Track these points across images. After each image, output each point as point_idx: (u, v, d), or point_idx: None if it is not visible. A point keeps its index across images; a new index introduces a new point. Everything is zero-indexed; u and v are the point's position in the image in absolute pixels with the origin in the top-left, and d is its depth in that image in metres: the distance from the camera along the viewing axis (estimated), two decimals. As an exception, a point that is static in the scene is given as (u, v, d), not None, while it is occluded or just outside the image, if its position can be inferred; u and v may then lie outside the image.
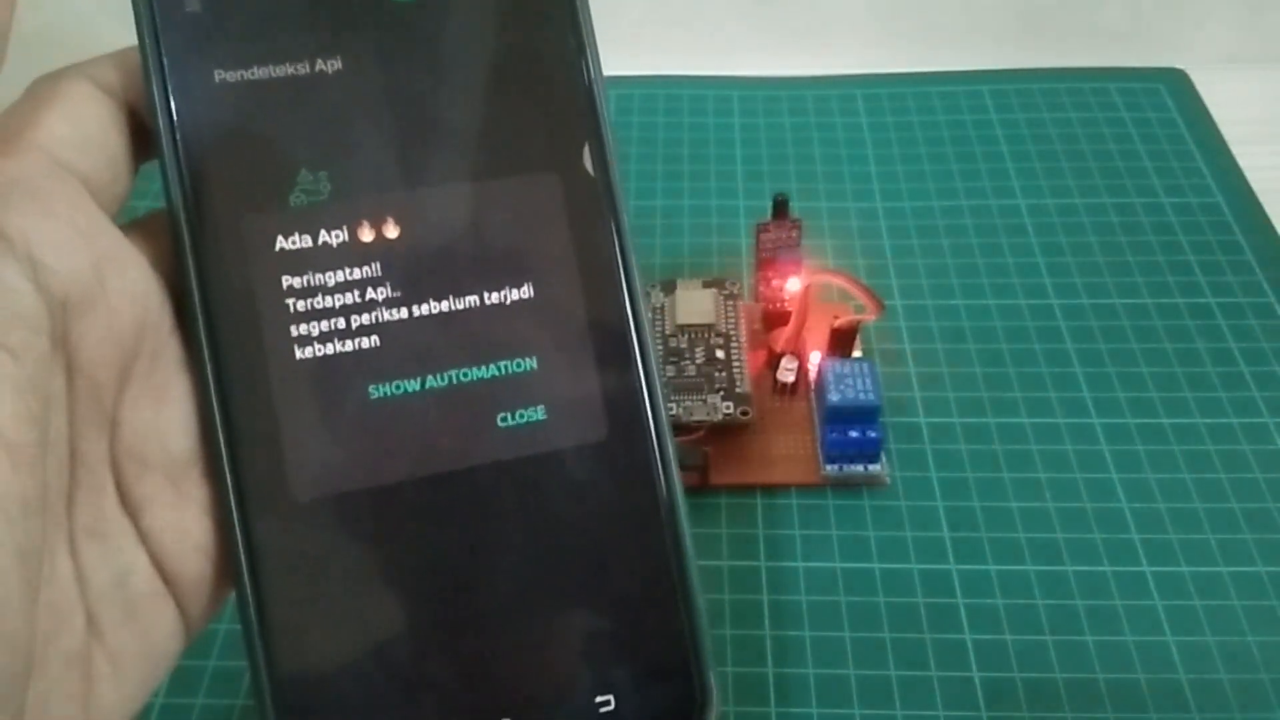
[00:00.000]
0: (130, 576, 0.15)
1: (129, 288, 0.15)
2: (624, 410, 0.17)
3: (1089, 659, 0.30)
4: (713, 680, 0.17)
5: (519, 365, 0.17)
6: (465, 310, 0.17)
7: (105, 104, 0.16)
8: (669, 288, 0.38)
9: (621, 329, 0.17)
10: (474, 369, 0.17)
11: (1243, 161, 0.46)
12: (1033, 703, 0.29)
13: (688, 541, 0.17)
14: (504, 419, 0.17)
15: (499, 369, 0.17)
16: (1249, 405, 0.36)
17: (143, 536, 0.16)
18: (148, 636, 0.16)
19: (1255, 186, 0.45)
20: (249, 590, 0.16)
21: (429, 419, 0.17)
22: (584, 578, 0.17)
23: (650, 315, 0.18)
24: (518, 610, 0.17)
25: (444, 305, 0.17)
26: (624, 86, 0.51)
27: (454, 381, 0.17)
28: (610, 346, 0.17)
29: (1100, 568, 0.32)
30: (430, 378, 0.17)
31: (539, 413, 0.17)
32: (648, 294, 0.38)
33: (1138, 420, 0.36)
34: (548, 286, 0.17)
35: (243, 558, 0.16)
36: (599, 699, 0.17)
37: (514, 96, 0.17)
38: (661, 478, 0.17)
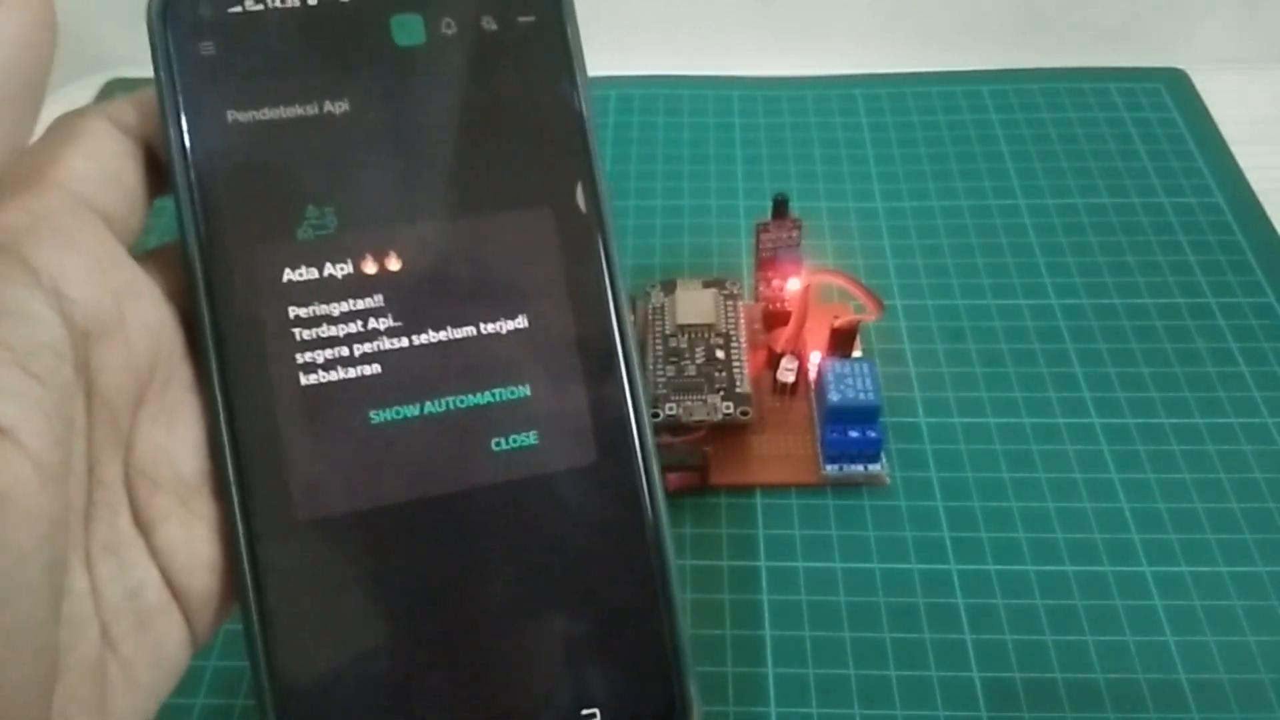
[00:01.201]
0: (142, 591, 0.16)
1: (145, 317, 0.16)
2: (612, 435, 0.18)
3: (1089, 659, 0.30)
4: (694, 692, 0.18)
5: (513, 392, 0.18)
6: (462, 340, 0.18)
7: (123, 142, 0.17)
8: (669, 288, 0.38)
9: (611, 359, 0.18)
10: (470, 395, 0.18)
11: (1243, 161, 0.46)
12: (1033, 703, 0.29)
13: (671, 561, 0.18)
14: (498, 444, 0.18)
15: (494, 396, 0.18)
16: (1249, 405, 0.36)
17: (154, 553, 0.16)
18: (158, 647, 0.16)
19: (1255, 186, 0.45)
20: (253, 606, 0.17)
21: (426, 443, 0.18)
22: (572, 596, 0.18)
23: (638, 342, 0.19)
24: (508, 627, 0.17)
25: (442, 335, 0.18)
26: (624, 86, 0.51)
27: (451, 407, 0.18)
28: (600, 375, 0.18)
29: (1100, 568, 0.32)
30: (428, 403, 0.18)
31: (531, 438, 0.18)
32: (647, 295, 0.38)
33: (1138, 420, 0.36)
34: (541, 317, 0.18)
35: (248, 574, 0.17)
36: (585, 711, 0.17)
37: (510, 136, 0.18)
38: (647, 500, 0.18)
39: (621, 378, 0.18)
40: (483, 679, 0.17)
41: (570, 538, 0.18)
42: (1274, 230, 0.43)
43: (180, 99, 0.17)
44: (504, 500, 0.18)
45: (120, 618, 0.16)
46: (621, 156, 0.47)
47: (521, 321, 0.18)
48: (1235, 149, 0.47)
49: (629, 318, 0.18)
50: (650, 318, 0.37)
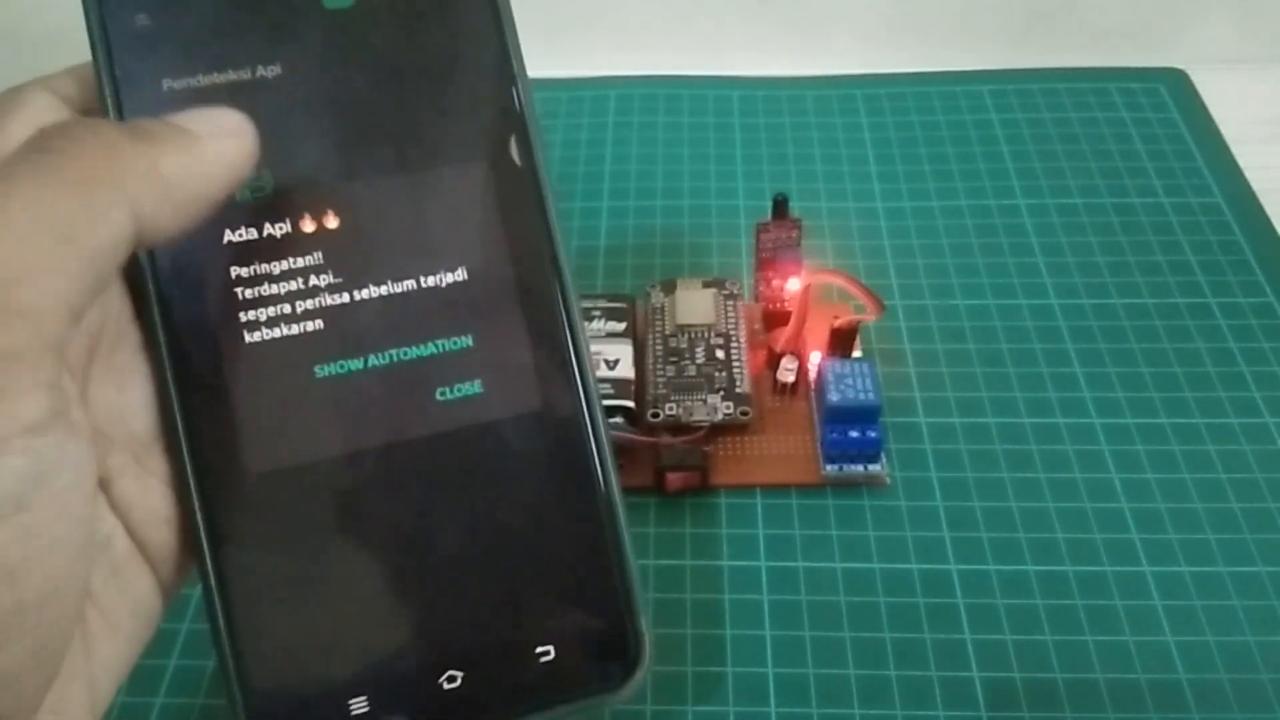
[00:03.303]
0: (111, 541, 0.17)
1: None
2: (555, 381, 0.19)
3: (1089, 659, 0.30)
4: (645, 630, 0.18)
5: (455, 343, 0.18)
6: (403, 293, 0.18)
7: (64, 112, 0.17)
8: (669, 288, 0.38)
9: (551, 305, 0.19)
10: (413, 347, 0.18)
11: (1243, 161, 0.46)
12: (1033, 703, 0.29)
13: (618, 501, 0.18)
14: (442, 393, 0.18)
15: (436, 347, 0.18)
16: (1249, 405, 0.36)
17: (113, 507, 0.17)
18: (133, 595, 0.17)
19: (1255, 186, 0.45)
20: (208, 557, 0.17)
21: (372, 395, 0.18)
22: (522, 538, 0.18)
23: (579, 296, 0.19)
24: (460, 571, 0.18)
25: (383, 289, 0.18)
26: (624, 86, 0.51)
27: (394, 360, 0.18)
28: (541, 322, 0.19)
29: (1100, 568, 0.32)
30: (372, 356, 0.18)
31: (475, 386, 0.18)
32: (647, 294, 0.38)
33: (1138, 420, 0.36)
34: (480, 269, 0.19)
35: (201, 528, 0.17)
36: (539, 649, 0.18)
37: (442, 94, 0.19)
38: (592, 443, 0.19)
39: (563, 325, 0.19)
40: (436, 623, 0.18)
41: (518, 482, 0.18)
42: (1274, 230, 0.43)
43: (116, 70, 0.17)
44: (451, 448, 0.18)
45: (96, 566, 0.16)
46: (621, 156, 0.47)
47: (461, 274, 0.18)
48: (1235, 149, 0.47)
49: (568, 266, 0.19)
50: (650, 318, 0.37)
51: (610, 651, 0.18)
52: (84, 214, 0.14)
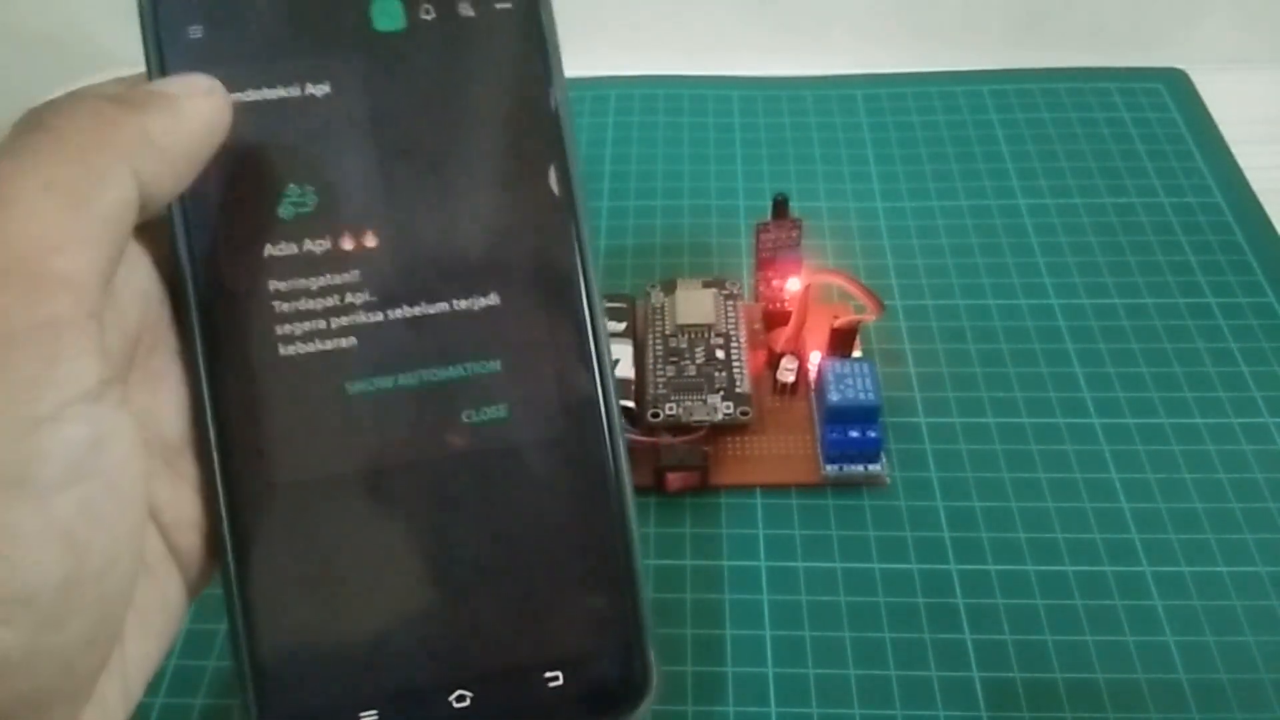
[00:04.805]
0: (145, 539, 0.17)
1: (137, 286, 0.17)
2: (580, 410, 0.19)
3: (1089, 659, 0.30)
4: (653, 659, 0.18)
5: (484, 367, 0.19)
6: (436, 315, 0.18)
7: None
8: (669, 288, 0.38)
9: (580, 335, 0.19)
10: (442, 369, 0.18)
11: (1243, 161, 0.46)
12: (1033, 703, 0.29)
13: (634, 532, 0.19)
14: (469, 415, 0.18)
15: (465, 370, 0.18)
16: (1249, 405, 0.36)
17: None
18: (163, 594, 0.17)
19: (1255, 186, 0.45)
20: (230, 564, 0.18)
21: (400, 413, 0.18)
22: (537, 564, 0.18)
23: (606, 321, 0.20)
24: (476, 591, 0.18)
25: (416, 310, 0.18)
26: (624, 86, 0.51)
27: (424, 380, 0.18)
28: (569, 352, 0.19)
29: (1100, 568, 0.32)
30: (402, 376, 0.18)
31: (501, 411, 0.19)
32: (647, 294, 0.38)
33: (1138, 420, 0.36)
34: (513, 295, 0.19)
35: (227, 534, 0.17)
36: (548, 675, 0.18)
37: (486, 120, 0.19)
38: (613, 474, 0.19)
39: (590, 354, 0.19)
40: (450, 642, 0.18)
41: (538, 508, 0.18)
42: (1274, 230, 0.43)
43: None
44: (473, 470, 0.18)
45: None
46: (621, 156, 0.47)
47: (494, 299, 0.19)
48: (1235, 149, 0.47)
49: (598, 296, 0.19)
50: (650, 317, 0.37)
51: (618, 681, 0.18)
52: (87, 180, 0.15)
